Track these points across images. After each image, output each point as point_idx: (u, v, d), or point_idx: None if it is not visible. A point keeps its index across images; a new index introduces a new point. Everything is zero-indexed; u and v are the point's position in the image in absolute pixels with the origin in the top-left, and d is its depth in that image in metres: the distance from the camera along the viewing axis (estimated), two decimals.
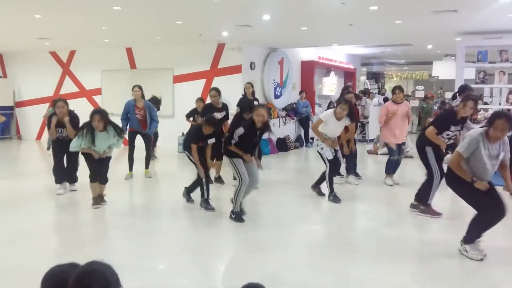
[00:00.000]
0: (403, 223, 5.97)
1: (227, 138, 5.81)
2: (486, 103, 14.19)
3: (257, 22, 9.28)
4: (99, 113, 6.17)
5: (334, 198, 6.75)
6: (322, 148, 6.78)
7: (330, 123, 6.74)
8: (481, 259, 4.29)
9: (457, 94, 8.84)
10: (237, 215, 5.75)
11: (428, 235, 5.53)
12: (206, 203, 6.31)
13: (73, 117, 6.93)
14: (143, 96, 8.54)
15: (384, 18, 9.02)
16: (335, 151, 6.84)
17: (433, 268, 4.25)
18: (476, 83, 10.37)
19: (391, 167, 8.04)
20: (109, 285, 1.75)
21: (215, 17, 8.98)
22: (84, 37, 11.75)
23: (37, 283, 1.96)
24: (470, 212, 4.56)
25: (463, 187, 4.41)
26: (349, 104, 6.76)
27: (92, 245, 5.05)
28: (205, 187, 6.33)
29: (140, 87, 8.48)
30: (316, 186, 7.18)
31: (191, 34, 10.94)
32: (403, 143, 8.17)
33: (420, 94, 16.98)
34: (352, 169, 8.31)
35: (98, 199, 6.46)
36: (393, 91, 8.18)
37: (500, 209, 4.26)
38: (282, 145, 12.83)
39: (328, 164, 6.78)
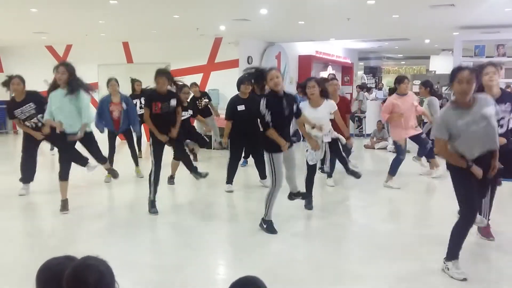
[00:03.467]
0: (399, 218, 5.99)
1: (261, 123, 4.89)
2: None
3: (255, 16, 9.26)
4: (64, 65, 5.67)
5: (308, 203, 6.12)
6: (307, 150, 5.90)
7: (307, 112, 5.74)
8: (464, 279, 3.82)
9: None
10: (269, 226, 5.08)
11: (424, 230, 5.54)
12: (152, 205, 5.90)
13: (33, 94, 6.45)
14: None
15: (382, 12, 9.00)
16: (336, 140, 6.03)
17: (430, 263, 4.26)
18: None
19: (397, 168, 7.40)
20: (104, 280, 1.75)
21: (212, 11, 8.95)
22: (80, 31, 11.70)
23: (33, 277, 1.95)
24: None
25: (458, 174, 3.89)
26: (318, 80, 5.98)
27: (87, 241, 5.04)
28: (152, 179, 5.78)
29: (116, 81, 7.78)
30: (348, 170, 6.23)
31: (188, 28, 10.91)
32: (421, 133, 7.49)
33: (417, 88, 16.96)
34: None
35: (66, 203, 5.93)
36: (400, 80, 7.34)
37: (473, 212, 3.89)
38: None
39: (307, 168, 6.04)
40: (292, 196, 5.51)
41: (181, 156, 6.29)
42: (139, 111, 10.13)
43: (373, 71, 21.80)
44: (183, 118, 6.45)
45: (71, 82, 5.65)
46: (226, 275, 4.15)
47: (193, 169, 6.26)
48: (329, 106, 5.96)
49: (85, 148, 6.23)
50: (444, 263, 3.98)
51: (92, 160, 6.58)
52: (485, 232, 4.87)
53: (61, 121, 5.68)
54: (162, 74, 5.70)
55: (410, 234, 5.29)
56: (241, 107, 6.87)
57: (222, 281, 3.95)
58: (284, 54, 14.07)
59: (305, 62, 15.05)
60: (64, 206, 5.90)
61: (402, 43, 15.04)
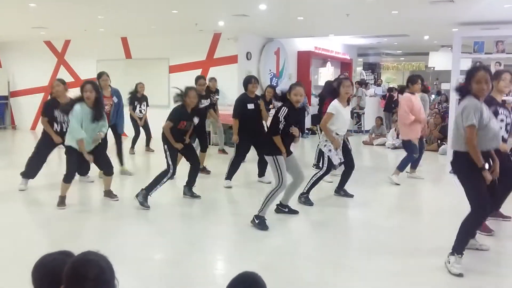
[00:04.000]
0: (398, 214, 5.99)
1: (272, 126, 5.12)
2: None
3: (254, 11, 9.24)
4: (91, 83, 5.76)
5: (306, 200, 6.14)
6: (330, 150, 6.03)
7: (341, 112, 5.97)
8: (460, 274, 3.83)
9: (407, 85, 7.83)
10: (262, 222, 5.08)
11: (423, 226, 5.55)
12: (144, 198, 5.91)
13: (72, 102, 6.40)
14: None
15: (381, 8, 8.99)
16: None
17: (429, 258, 4.27)
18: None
19: (406, 165, 7.43)
20: (104, 275, 1.75)
21: (211, 7, 8.93)
22: (79, 27, 11.67)
23: (29, 272, 1.95)
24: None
25: (466, 176, 3.93)
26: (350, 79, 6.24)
27: (86, 237, 5.05)
28: (162, 182, 5.92)
29: (107, 75, 7.64)
30: (341, 189, 6.57)
31: (187, 23, 10.88)
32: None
33: None
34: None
35: (64, 199, 5.92)
36: (414, 81, 7.33)
37: (487, 208, 3.96)
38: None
39: (325, 168, 6.16)
40: (280, 207, 5.62)
41: (194, 163, 6.33)
42: (139, 115, 10.17)
43: (372, 67, 21.80)
44: (202, 106, 6.59)
45: (98, 109, 5.81)
46: (224, 270, 4.16)
47: (191, 183, 6.36)
48: (351, 106, 6.21)
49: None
50: (448, 256, 3.96)
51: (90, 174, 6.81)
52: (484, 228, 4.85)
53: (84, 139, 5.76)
54: (194, 90, 6.01)
55: (409, 229, 5.30)
56: (250, 106, 6.95)
57: (220, 276, 3.96)
58: (283, 50, 14.05)
59: (304, 58, 15.03)
60: (62, 201, 5.91)
61: (401, 39, 15.02)
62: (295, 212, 5.66)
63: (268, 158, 5.13)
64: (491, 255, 4.39)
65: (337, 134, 6.05)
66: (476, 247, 4.37)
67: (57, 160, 8.78)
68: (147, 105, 10.33)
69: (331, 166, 6.22)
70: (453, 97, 10.20)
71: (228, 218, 5.77)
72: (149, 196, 5.89)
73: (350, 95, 6.06)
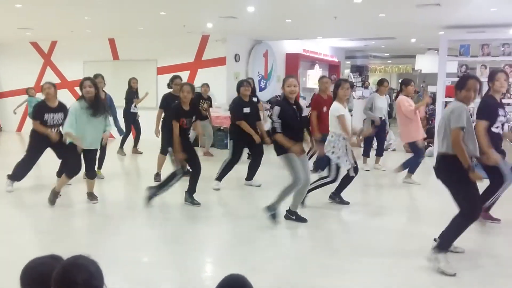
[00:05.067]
0: (387, 215, 6.02)
1: (271, 127, 5.18)
2: None
3: (242, 13, 9.24)
4: (90, 79, 5.85)
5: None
6: (338, 157, 5.77)
7: (346, 115, 5.83)
8: (454, 274, 3.86)
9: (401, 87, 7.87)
10: (274, 214, 5.26)
11: (411, 227, 5.59)
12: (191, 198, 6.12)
13: (64, 105, 6.58)
14: None
15: (368, 11, 9.05)
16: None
17: (418, 259, 4.29)
18: (458, 76, 10.48)
19: (414, 166, 7.42)
20: (93, 280, 1.73)
21: (199, 8, 8.91)
22: (65, 27, 11.58)
23: (17, 275, 1.93)
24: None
25: (456, 179, 3.97)
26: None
27: (75, 239, 5.01)
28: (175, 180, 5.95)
29: (103, 77, 7.77)
30: (337, 195, 6.32)
31: (175, 25, 10.85)
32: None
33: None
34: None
35: (56, 195, 6.02)
36: (407, 83, 7.44)
37: (478, 210, 4.03)
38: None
39: (333, 175, 5.94)
40: (288, 214, 5.49)
41: (196, 170, 6.19)
42: (134, 109, 10.12)
43: (359, 70, 21.89)
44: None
45: (97, 103, 5.82)
46: (213, 273, 4.15)
47: (192, 190, 6.20)
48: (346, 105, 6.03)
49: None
50: (434, 253, 4.00)
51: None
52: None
53: (84, 136, 5.77)
54: (188, 85, 5.93)
55: (399, 230, 5.33)
56: (246, 109, 6.98)
57: (208, 278, 3.95)
58: (272, 52, 14.07)
59: (292, 61, 15.07)
60: (54, 197, 5.95)
61: (389, 42, 15.13)
62: (303, 220, 5.44)
63: (281, 159, 5.17)
64: (483, 258, 4.43)
65: (343, 138, 5.81)
66: (451, 250, 4.31)
67: (45, 162, 8.69)
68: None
69: (337, 175, 5.95)
70: (440, 99, 10.31)
71: (217, 220, 5.75)
72: (155, 197, 6.00)
73: (344, 96, 5.90)
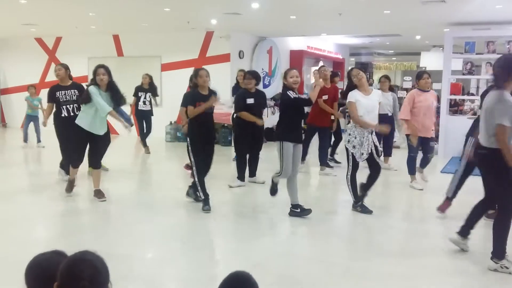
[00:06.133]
0: (390, 213, 6.01)
1: (289, 105, 5.37)
2: (472, 94, 14.35)
3: (246, 10, 9.23)
4: (103, 67, 5.79)
5: (362, 209, 5.72)
6: (354, 147, 5.54)
7: (359, 100, 5.49)
8: None
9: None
10: (273, 189, 5.70)
11: (418, 226, 5.57)
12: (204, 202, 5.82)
13: (78, 84, 6.68)
14: None
15: (373, 8, 9.02)
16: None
17: (424, 259, 4.29)
18: (463, 74, 10.46)
19: (413, 166, 7.13)
20: (99, 277, 1.74)
21: (204, 5, 8.90)
22: (70, 24, 11.59)
23: (21, 272, 1.93)
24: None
25: (500, 173, 3.77)
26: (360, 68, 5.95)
27: (80, 235, 5.02)
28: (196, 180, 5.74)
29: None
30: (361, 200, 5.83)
31: (179, 21, 10.84)
32: (432, 138, 7.20)
33: (408, 85, 17.04)
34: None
35: (72, 185, 6.18)
36: (419, 76, 7.08)
37: None
38: (270, 135, 12.80)
39: (351, 166, 5.66)
40: (293, 210, 5.50)
41: (207, 165, 6.02)
42: (142, 106, 10.06)
43: (364, 67, 21.84)
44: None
45: (113, 92, 5.87)
46: (217, 269, 4.15)
47: (196, 187, 5.97)
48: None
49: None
50: (497, 263, 3.90)
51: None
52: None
53: (93, 121, 5.84)
54: (204, 70, 5.79)
55: (404, 230, 5.32)
56: (250, 101, 6.95)
57: (212, 275, 3.95)
58: (276, 49, 14.05)
59: (296, 57, 15.03)
60: (69, 186, 6.13)
61: (393, 39, 15.07)
62: (308, 211, 5.47)
63: (277, 144, 5.36)
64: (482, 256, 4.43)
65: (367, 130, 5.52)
66: (461, 246, 4.35)
67: (47, 161, 8.71)
68: (155, 95, 10.25)
69: (356, 164, 5.65)
70: (445, 96, 10.27)
71: (221, 217, 5.75)
72: (208, 199, 5.83)
73: (363, 79, 5.55)
